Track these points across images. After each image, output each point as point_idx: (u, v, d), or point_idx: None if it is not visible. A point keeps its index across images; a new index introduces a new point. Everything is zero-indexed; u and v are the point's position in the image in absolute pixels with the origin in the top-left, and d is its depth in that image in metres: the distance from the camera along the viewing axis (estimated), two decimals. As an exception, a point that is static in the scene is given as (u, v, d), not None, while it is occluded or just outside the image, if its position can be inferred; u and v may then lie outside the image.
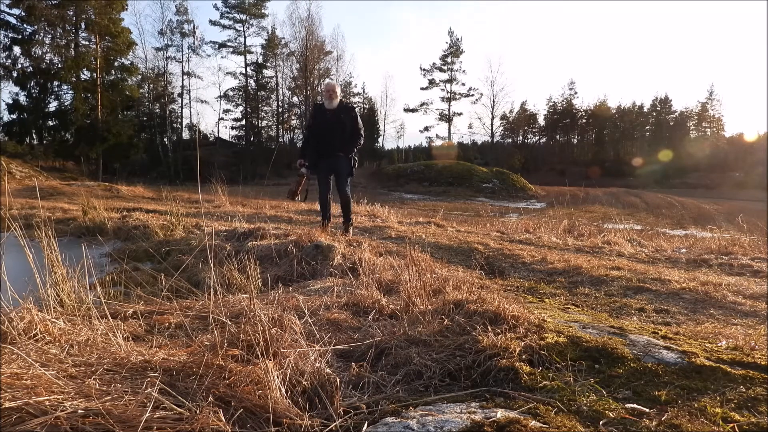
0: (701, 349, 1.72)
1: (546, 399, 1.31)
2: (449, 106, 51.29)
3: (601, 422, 1.18)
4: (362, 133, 5.62)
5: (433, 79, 51.34)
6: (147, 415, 1.09)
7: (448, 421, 1.18)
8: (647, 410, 1.24)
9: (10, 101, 29.66)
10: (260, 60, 44.39)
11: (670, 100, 59.15)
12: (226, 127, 64.97)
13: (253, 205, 10.77)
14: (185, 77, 41.20)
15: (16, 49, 29.15)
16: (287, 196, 6.07)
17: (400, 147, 56.60)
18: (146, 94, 39.20)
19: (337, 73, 44.74)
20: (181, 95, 41.62)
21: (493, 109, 50.68)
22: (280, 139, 46.12)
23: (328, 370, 1.45)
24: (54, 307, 1.82)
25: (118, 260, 4.67)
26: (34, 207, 8.04)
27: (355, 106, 6.16)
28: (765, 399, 1.30)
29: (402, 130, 68.38)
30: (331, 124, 5.49)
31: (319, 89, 44.17)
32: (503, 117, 57.28)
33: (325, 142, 5.51)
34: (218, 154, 39.81)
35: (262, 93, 44.96)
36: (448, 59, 50.67)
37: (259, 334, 1.46)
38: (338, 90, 5.62)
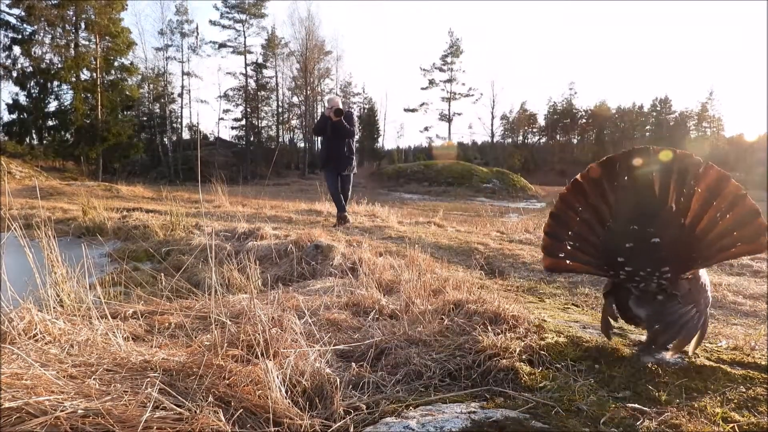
0: (701, 349, 1.72)
1: (546, 399, 1.31)
2: (449, 106, 51.27)
3: (601, 422, 1.18)
4: (354, 132, 6.38)
5: (433, 79, 51.34)
6: (147, 415, 1.09)
7: (448, 421, 1.18)
8: (647, 410, 1.24)
9: (10, 101, 29.68)
10: (260, 60, 44.40)
11: (670, 101, 59.07)
12: (226, 127, 65.12)
13: (253, 205, 10.77)
14: (185, 77, 41.28)
15: (16, 49, 29.19)
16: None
17: (400, 147, 56.40)
18: (146, 94, 39.25)
19: (337, 73, 44.77)
20: (181, 95, 41.69)
21: (493, 109, 50.74)
22: (280, 139, 46.15)
23: (328, 370, 1.45)
24: (54, 307, 1.82)
25: (118, 260, 4.67)
26: (34, 207, 8.04)
27: (351, 110, 6.80)
28: (765, 399, 1.30)
29: (402, 130, 68.50)
30: (333, 138, 6.33)
31: (319, 89, 44.26)
32: (503, 117, 57.31)
33: (332, 152, 6.43)
34: (218, 154, 39.85)
35: (262, 93, 44.94)
36: (448, 59, 50.65)
37: (259, 334, 1.46)
38: (340, 104, 6.35)
